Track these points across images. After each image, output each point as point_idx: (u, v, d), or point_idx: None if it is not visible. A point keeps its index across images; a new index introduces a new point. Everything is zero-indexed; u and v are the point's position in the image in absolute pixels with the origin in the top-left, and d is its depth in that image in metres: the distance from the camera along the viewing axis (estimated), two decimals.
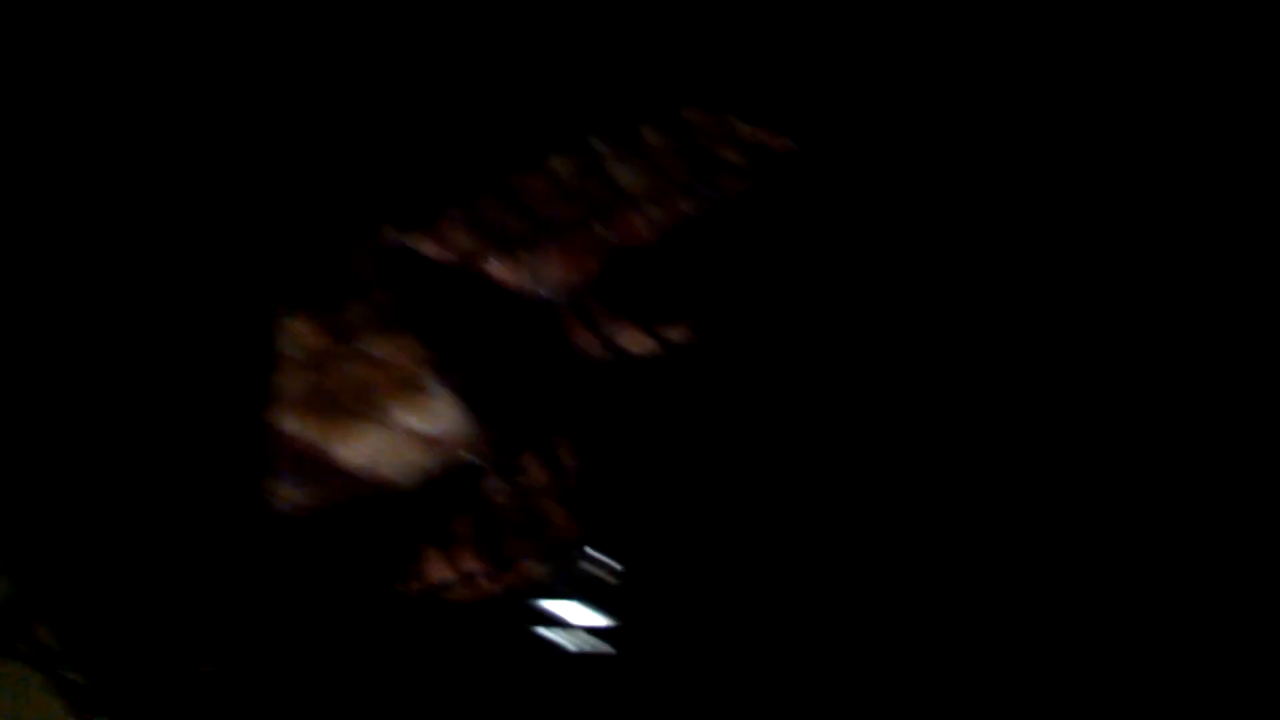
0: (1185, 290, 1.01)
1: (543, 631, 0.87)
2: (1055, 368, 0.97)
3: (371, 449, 0.87)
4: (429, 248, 1.00)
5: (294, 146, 1.06)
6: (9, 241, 1.00)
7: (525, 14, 1.17)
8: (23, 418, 0.93)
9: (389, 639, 0.87)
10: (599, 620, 0.88)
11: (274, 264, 1.00)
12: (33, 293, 0.98)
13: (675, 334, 0.99)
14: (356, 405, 0.89)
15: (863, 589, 0.88)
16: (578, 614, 0.88)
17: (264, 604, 0.87)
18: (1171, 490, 0.91)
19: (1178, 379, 0.96)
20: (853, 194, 1.07)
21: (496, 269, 0.98)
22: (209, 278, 0.99)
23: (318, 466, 0.88)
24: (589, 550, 0.89)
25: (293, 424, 0.89)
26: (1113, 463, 0.93)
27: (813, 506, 0.92)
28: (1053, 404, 0.95)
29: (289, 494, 0.88)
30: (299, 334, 0.94)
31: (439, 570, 0.91)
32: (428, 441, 0.88)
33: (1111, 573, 0.88)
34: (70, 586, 0.88)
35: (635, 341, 1.00)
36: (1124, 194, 1.05)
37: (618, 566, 0.90)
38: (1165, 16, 1.09)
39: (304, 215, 1.03)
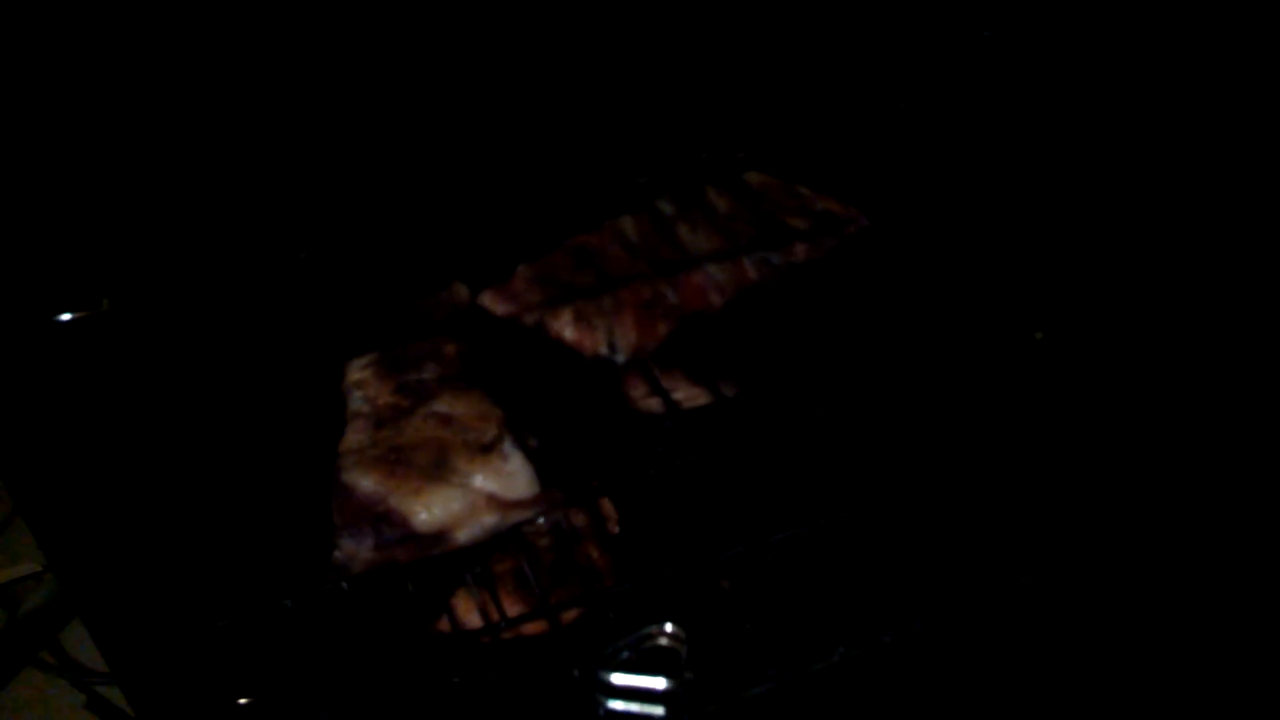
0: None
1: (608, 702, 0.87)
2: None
3: (447, 511, 0.87)
4: (501, 307, 1.00)
5: (367, 203, 1.06)
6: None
7: (594, 74, 1.18)
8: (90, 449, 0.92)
9: (423, 679, 0.87)
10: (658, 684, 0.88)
11: (346, 320, 1.00)
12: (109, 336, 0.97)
13: (728, 389, 1.00)
14: (431, 466, 0.88)
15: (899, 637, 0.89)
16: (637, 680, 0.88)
17: (305, 639, 0.86)
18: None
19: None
20: (916, 272, 1.07)
21: (570, 332, 0.98)
22: (283, 333, 0.98)
23: (389, 525, 0.87)
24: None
25: (365, 482, 0.88)
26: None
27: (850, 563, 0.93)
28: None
29: (355, 550, 0.88)
30: (371, 391, 0.94)
31: (470, 612, 0.92)
32: (503, 505, 0.88)
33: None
34: (115, 603, 0.88)
35: (689, 396, 1.00)
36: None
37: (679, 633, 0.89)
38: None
39: (375, 271, 1.03)
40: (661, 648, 0.89)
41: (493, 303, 1.01)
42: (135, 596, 0.86)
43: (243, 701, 0.85)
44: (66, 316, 0.74)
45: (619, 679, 0.86)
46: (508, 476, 0.88)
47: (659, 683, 0.86)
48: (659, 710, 0.85)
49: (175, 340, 0.97)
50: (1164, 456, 0.95)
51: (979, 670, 0.90)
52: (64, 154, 0.86)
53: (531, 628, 0.92)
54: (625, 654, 0.89)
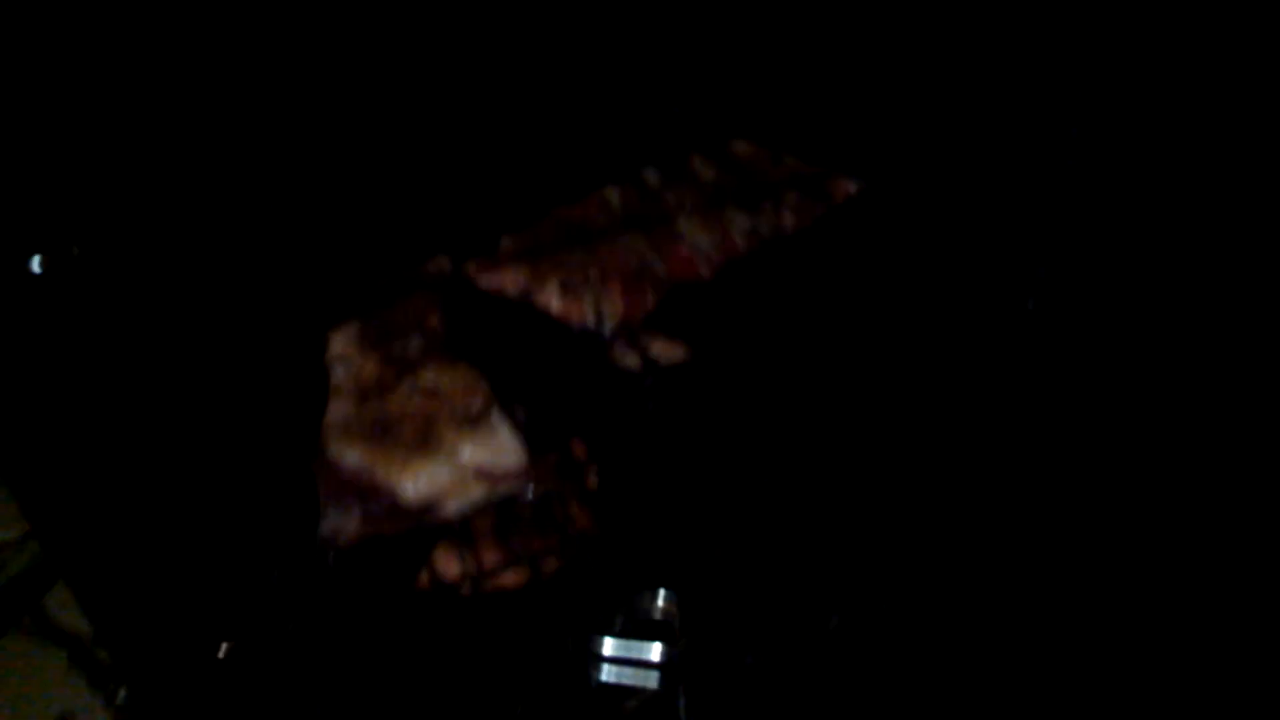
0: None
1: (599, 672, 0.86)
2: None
3: (434, 484, 0.86)
4: (486, 278, 0.99)
5: (348, 174, 1.05)
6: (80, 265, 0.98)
7: (578, 44, 1.17)
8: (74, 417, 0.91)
9: (403, 633, 0.86)
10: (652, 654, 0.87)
11: (328, 293, 0.98)
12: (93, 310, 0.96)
13: (709, 350, 0.99)
14: (417, 439, 0.87)
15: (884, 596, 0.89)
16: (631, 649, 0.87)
17: (285, 590, 0.86)
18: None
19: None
20: (905, 241, 1.07)
21: (557, 304, 0.97)
22: (264, 307, 0.97)
23: (376, 499, 0.86)
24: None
25: (350, 455, 0.87)
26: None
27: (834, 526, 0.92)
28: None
29: (341, 524, 0.87)
30: (355, 363, 0.93)
31: (449, 565, 0.91)
32: (491, 476, 0.87)
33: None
34: (99, 566, 0.87)
35: (667, 352, 0.99)
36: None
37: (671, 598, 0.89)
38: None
39: (357, 244, 1.01)
40: (653, 617, 0.88)
41: (477, 274, 1.00)
42: (118, 562, 0.85)
43: (223, 650, 0.84)
44: (37, 265, 0.72)
45: (612, 648, 0.86)
46: (496, 448, 0.87)
47: (654, 651, 0.85)
48: (653, 680, 0.84)
49: (150, 296, 0.96)
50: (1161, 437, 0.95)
51: (978, 638, 0.90)
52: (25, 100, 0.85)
53: (512, 581, 0.91)
54: (618, 622, 0.88)
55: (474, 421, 0.88)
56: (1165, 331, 0.98)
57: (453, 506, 0.86)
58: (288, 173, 1.07)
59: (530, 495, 0.90)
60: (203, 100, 1.07)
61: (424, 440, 0.87)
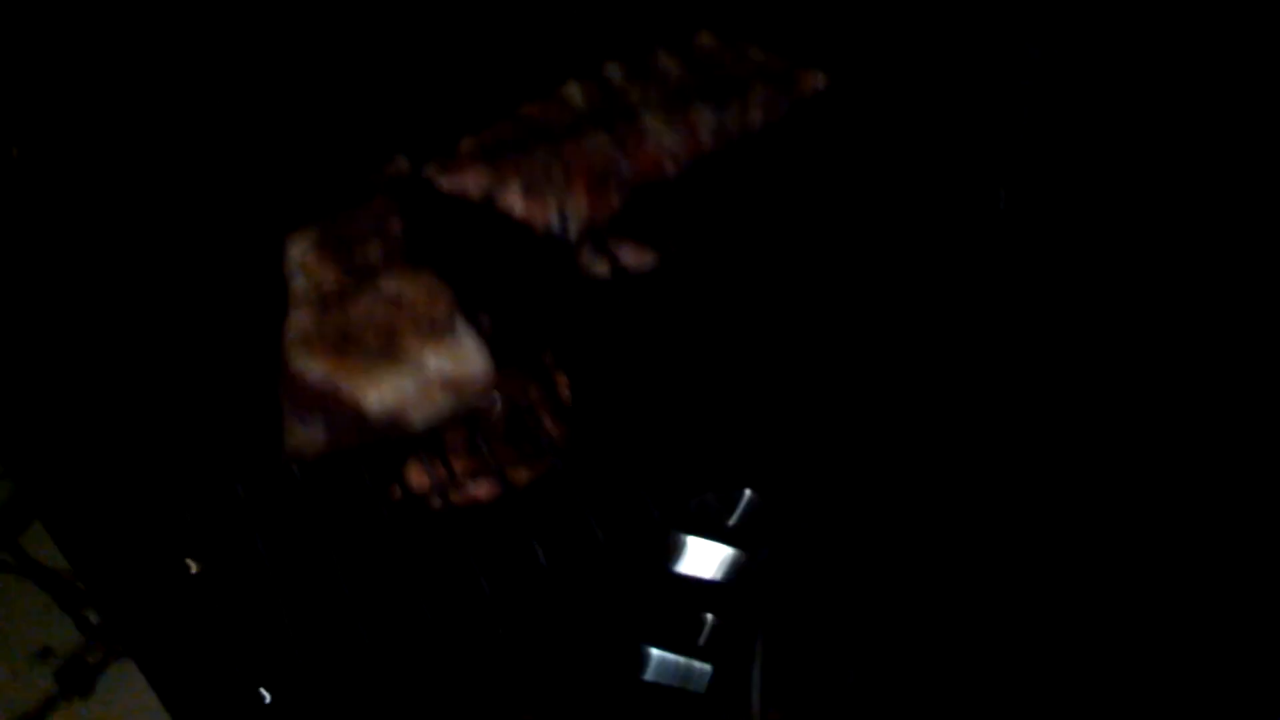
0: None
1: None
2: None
3: (399, 395, 0.84)
4: (447, 180, 0.96)
5: (302, 75, 1.01)
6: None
7: None
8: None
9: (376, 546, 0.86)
10: None
11: (286, 200, 0.96)
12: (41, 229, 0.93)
13: (679, 254, 0.98)
14: (381, 349, 0.86)
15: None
16: None
17: (252, 506, 0.86)
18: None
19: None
20: (873, 135, 1.05)
21: (520, 206, 0.95)
22: (220, 217, 0.94)
23: (340, 411, 0.85)
24: None
25: (315, 367, 0.85)
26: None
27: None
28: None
29: (307, 436, 0.86)
30: (316, 273, 0.91)
31: (420, 477, 0.90)
32: (457, 386, 0.85)
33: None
34: (68, 488, 0.86)
35: (637, 257, 0.98)
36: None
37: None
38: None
39: (313, 147, 0.98)
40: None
41: (438, 175, 0.97)
42: (91, 493, 0.84)
43: (194, 569, 0.84)
44: None
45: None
46: (460, 357, 0.85)
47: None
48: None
49: (97, 203, 0.93)
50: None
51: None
52: None
53: (484, 492, 0.91)
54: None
55: (438, 330, 0.86)
56: (1136, 231, 0.97)
57: (418, 418, 0.85)
58: (239, 75, 1.03)
59: (498, 406, 0.89)
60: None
61: (387, 350, 0.86)
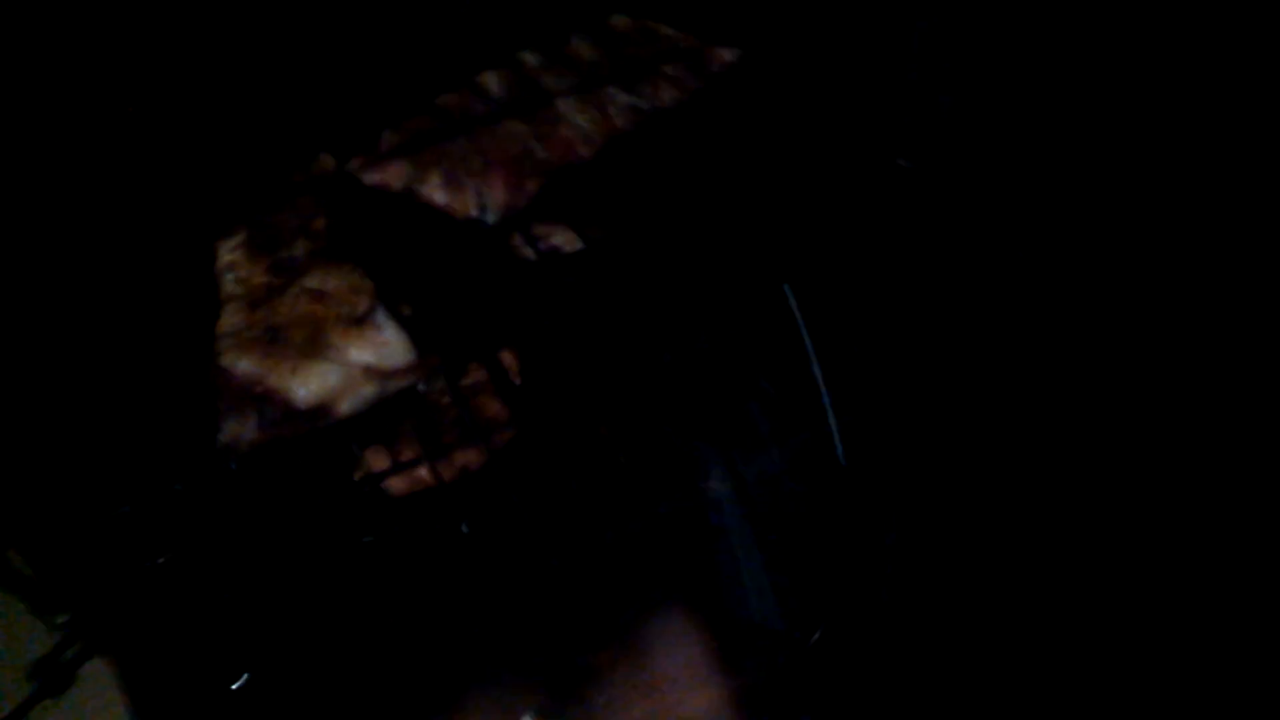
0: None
1: None
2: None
3: (325, 386, 0.88)
4: (369, 174, 0.99)
5: (223, 81, 1.04)
6: None
7: None
8: None
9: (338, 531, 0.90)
10: None
11: (210, 199, 0.98)
12: None
13: (602, 232, 1.00)
14: (307, 343, 0.89)
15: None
16: None
17: (191, 500, 0.88)
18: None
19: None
20: (786, 109, 1.07)
21: (440, 196, 0.98)
22: (143, 218, 0.97)
23: (270, 405, 0.88)
24: None
25: (243, 363, 0.89)
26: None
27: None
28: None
29: (239, 431, 0.89)
30: (243, 271, 0.94)
31: (379, 461, 0.94)
32: (380, 374, 0.89)
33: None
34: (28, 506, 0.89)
35: (566, 240, 1.00)
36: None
37: None
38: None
39: (239, 150, 1.01)
40: None
41: (361, 171, 1.00)
42: (28, 489, 0.87)
43: (160, 561, 0.87)
44: None
45: None
46: (382, 347, 0.89)
47: None
48: None
49: (32, 213, 0.96)
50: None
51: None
52: None
53: (428, 475, 0.94)
54: None
55: (359, 321, 0.90)
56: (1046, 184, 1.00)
57: (346, 406, 0.88)
58: (165, 81, 1.05)
59: (423, 389, 0.92)
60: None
61: (313, 344, 0.89)
